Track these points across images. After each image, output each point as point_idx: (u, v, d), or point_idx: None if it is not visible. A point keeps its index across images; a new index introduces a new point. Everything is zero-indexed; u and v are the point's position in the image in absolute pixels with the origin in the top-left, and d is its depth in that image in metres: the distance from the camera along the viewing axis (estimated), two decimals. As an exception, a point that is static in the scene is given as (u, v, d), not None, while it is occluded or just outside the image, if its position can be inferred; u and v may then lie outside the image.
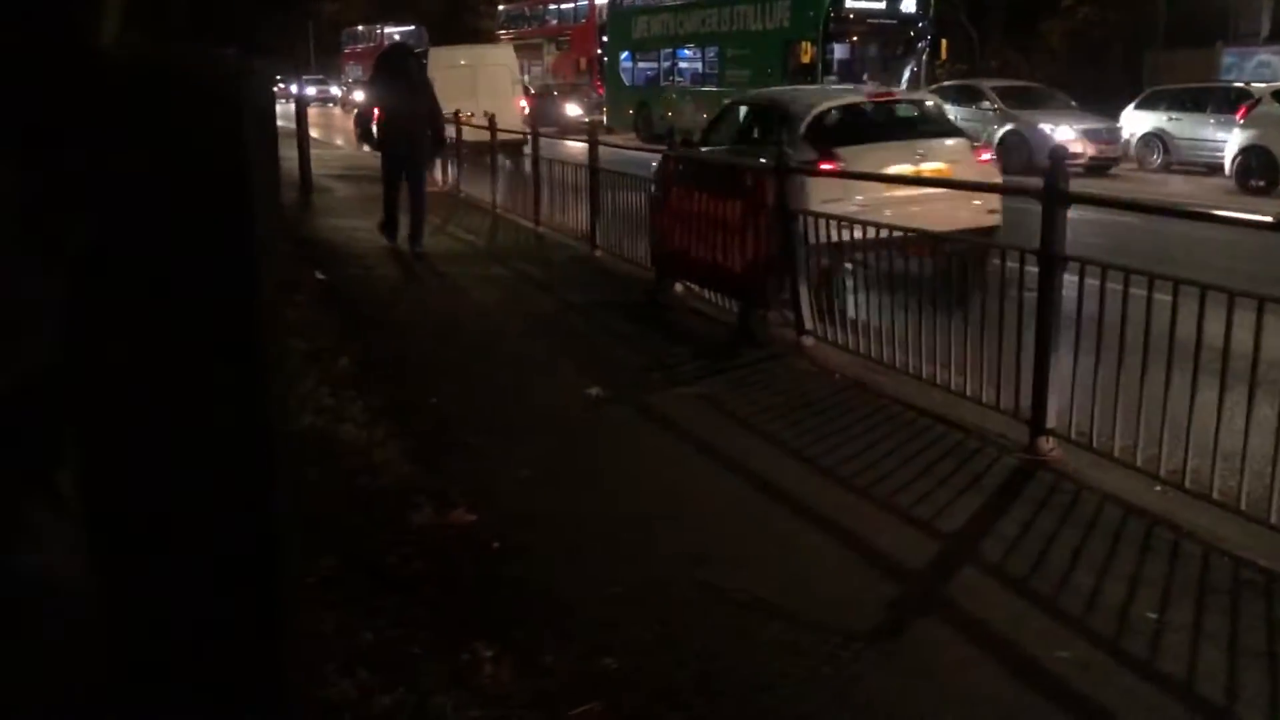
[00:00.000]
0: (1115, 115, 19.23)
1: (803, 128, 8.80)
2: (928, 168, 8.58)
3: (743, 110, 10.72)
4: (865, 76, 23.23)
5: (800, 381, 5.96)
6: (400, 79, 9.77)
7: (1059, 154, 4.61)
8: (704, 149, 9.76)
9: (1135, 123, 19.02)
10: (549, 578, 3.63)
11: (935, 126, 9.70)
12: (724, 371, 6.16)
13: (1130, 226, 9.72)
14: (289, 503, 1.34)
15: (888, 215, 6.31)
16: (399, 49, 11.53)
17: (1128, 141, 18.85)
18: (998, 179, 9.54)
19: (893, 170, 8.09)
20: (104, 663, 0.67)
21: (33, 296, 0.63)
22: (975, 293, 5.23)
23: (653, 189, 8.22)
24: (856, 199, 7.51)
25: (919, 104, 10.66)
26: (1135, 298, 4.22)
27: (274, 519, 1.28)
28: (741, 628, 3.27)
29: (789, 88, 15.75)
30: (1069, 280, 4.57)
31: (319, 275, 9.07)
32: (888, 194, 7.71)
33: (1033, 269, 4.62)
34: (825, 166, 7.77)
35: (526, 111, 21.91)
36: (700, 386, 5.87)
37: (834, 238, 6.17)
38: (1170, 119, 18.53)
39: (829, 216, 6.26)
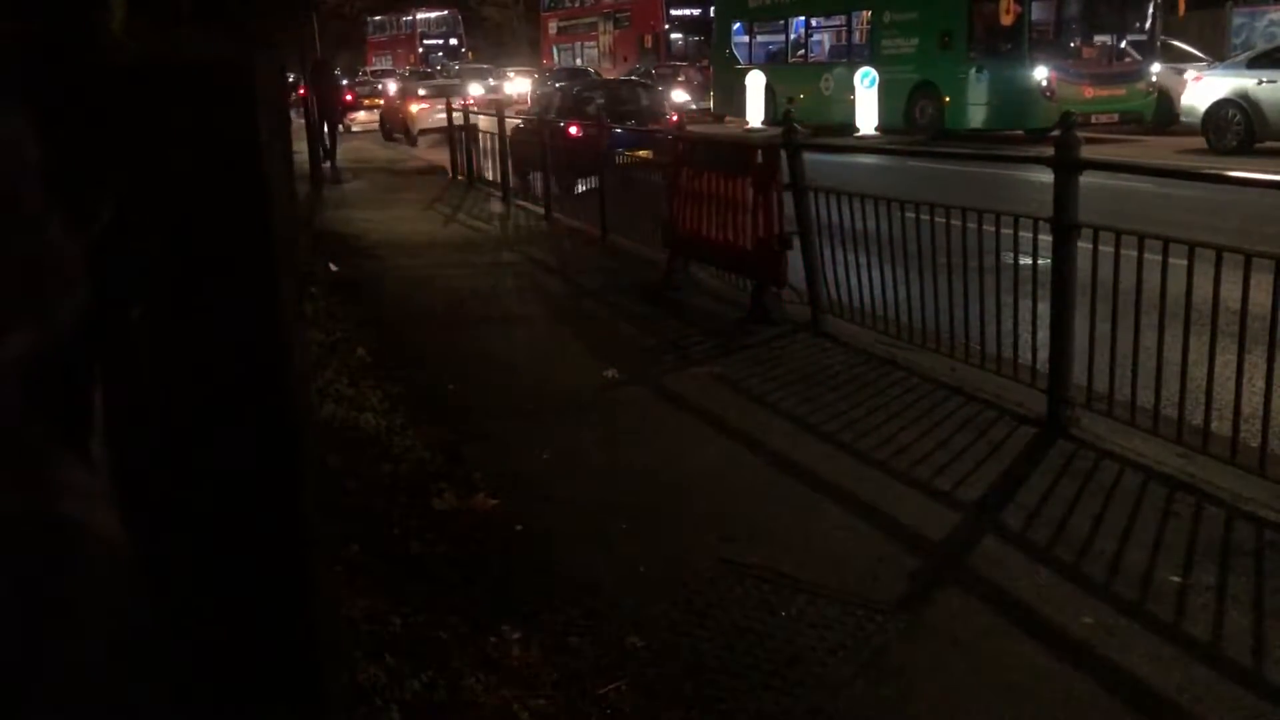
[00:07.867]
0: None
1: None
2: None
3: None
4: (1078, 43, 17.97)
5: (816, 357, 5.95)
6: (325, 78, 18.70)
7: (1070, 119, 4.58)
8: None
9: None
10: (573, 559, 3.65)
11: None
12: (740, 350, 6.16)
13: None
14: (314, 491, 1.35)
15: None
16: (323, 63, 19.75)
17: None
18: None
19: None
20: (150, 627, 0.69)
21: (59, 259, 0.65)
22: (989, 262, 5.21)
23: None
24: None
25: None
26: (1150, 263, 4.20)
27: (301, 507, 1.30)
28: (767, 603, 3.29)
29: None
30: (1083, 248, 4.55)
31: (332, 267, 9.10)
32: None
33: (1046, 238, 4.60)
34: None
35: None
36: (717, 366, 5.88)
37: (845, 213, 6.15)
38: None
39: (841, 193, 6.23)
